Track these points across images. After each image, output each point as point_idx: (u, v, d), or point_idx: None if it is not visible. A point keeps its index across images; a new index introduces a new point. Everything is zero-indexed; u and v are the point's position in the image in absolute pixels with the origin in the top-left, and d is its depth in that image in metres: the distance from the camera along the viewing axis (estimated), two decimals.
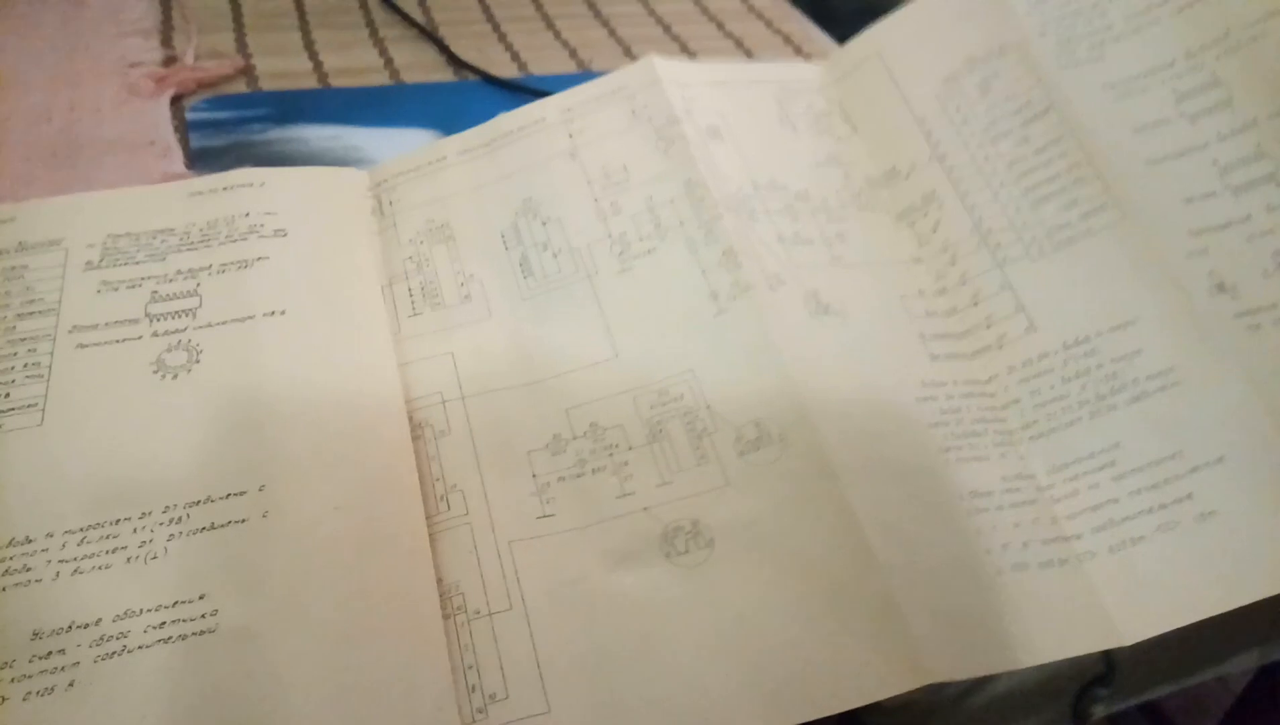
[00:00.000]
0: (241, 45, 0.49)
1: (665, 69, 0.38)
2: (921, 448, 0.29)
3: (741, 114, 0.37)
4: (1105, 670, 0.32)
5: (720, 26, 0.57)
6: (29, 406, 0.29)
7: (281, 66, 0.48)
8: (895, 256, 0.35)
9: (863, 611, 0.25)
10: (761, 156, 0.36)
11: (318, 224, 0.36)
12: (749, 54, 0.54)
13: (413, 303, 0.34)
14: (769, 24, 0.58)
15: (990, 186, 0.35)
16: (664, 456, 0.29)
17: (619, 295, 0.33)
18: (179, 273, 0.34)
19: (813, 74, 0.40)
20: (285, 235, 0.35)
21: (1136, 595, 0.28)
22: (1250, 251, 0.30)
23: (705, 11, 0.58)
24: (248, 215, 0.36)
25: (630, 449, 0.29)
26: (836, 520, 0.27)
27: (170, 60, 0.48)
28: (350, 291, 0.34)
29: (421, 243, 0.36)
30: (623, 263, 0.33)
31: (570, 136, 0.37)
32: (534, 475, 0.29)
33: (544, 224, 0.35)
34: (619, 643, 0.26)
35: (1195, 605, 0.27)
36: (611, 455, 0.29)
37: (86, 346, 0.31)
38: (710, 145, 0.36)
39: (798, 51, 0.55)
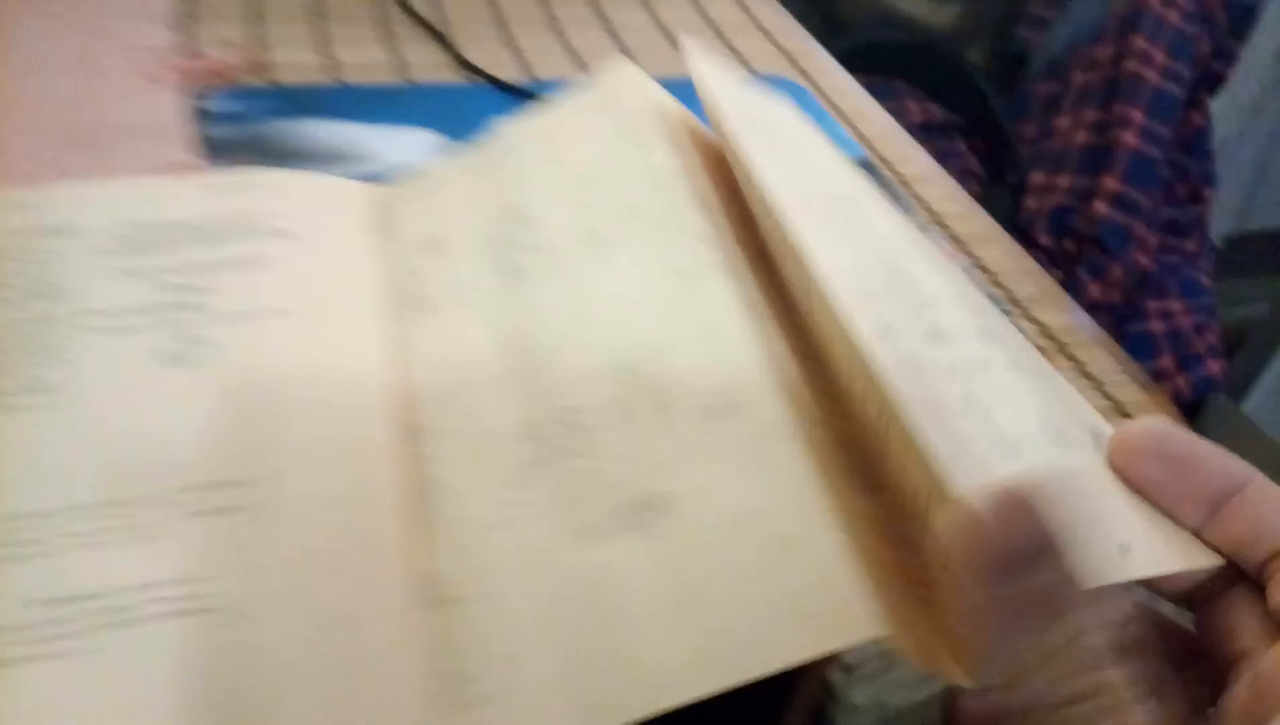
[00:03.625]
0: (256, 36, 0.51)
1: None
2: None
3: None
4: None
5: (719, 34, 0.58)
6: (41, 388, 0.31)
7: (294, 60, 0.50)
8: None
9: None
10: None
11: (323, 229, 0.38)
12: (749, 67, 0.56)
13: (400, 309, 0.36)
14: (769, 37, 0.59)
15: None
16: None
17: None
18: (190, 265, 0.35)
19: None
20: (293, 237, 0.37)
21: None
22: None
23: (707, 21, 0.60)
24: (258, 214, 0.37)
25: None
26: None
27: (184, 48, 0.49)
28: (348, 296, 0.35)
29: (414, 255, 0.37)
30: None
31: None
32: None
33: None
34: None
35: None
36: None
37: (97, 331, 0.32)
38: None
39: (795, 67, 0.56)
